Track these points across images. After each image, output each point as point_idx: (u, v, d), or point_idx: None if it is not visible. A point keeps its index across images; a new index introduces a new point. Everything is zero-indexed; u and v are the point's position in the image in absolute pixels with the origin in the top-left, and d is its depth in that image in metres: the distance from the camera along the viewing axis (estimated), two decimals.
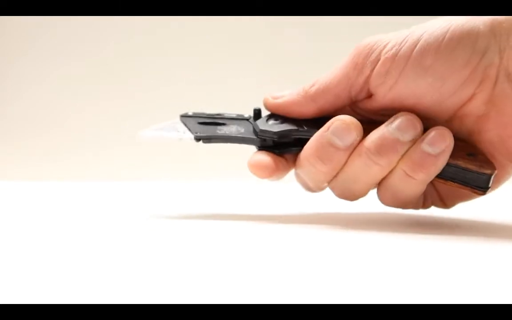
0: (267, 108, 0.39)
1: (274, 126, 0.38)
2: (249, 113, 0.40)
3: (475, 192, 0.36)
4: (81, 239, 0.34)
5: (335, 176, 0.37)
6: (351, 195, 0.38)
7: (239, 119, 0.40)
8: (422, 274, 0.25)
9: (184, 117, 0.41)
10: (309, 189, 0.39)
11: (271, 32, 0.91)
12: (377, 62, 0.36)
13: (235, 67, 0.90)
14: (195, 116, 0.41)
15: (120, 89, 0.90)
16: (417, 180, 0.36)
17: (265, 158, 0.38)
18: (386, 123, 0.36)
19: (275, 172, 0.38)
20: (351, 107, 0.38)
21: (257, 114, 0.40)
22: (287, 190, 0.41)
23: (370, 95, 0.37)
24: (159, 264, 0.27)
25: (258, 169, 0.38)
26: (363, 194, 0.38)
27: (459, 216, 0.40)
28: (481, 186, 0.36)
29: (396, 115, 0.36)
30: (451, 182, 0.36)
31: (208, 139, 0.39)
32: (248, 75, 0.91)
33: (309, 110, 0.38)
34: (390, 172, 0.36)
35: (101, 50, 0.91)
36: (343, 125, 0.36)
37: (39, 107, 0.88)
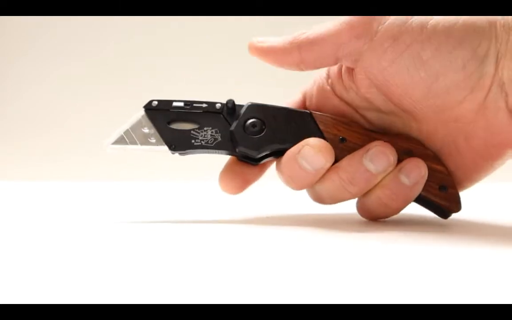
0: (251, 51, 0.38)
1: (254, 144, 0.37)
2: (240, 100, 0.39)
3: (436, 215, 0.38)
4: (81, 239, 0.34)
5: (310, 187, 0.38)
6: (325, 203, 0.38)
7: (211, 112, 0.38)
8: (416, 273, 0.26)
9: (150, 110, 0.38)
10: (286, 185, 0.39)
11: (271, 32, 0.91)
12: (375, 35, 0.35)
13: (235, 67, 0.90)
14: (161, 109, 0.38)
15: (120, 89, 0.90)
16: (393, 208, 0.37)
17: (234, 175, 0.38)
18: (360, 152, 0.36)
19: (245, 186, 0.39)
20: (334, 91, 0.38)
21: (230, 108, 0.38)
22: (277, 188, 0.41)
23: (355, 63, 0.36)
24: (154, 264, 0.27)
25: (228, 188, 0.38)
26: (336, 203, 0.38)
27: (457, 216, 0.40)
28: (443, 216, 0.38)
29: (371, 144, 0.36)
30: (419, 204, 0.38)
31: (184, 153, 0.38)
32: (248, 75, 0.91)
33: (292, 59, 0.37)
34: (366, 194, 0.37)
35: (101, 50, 0.91)
36: (312, 151, 0.36)
37: (39, 107, 0.88)
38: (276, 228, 0.37)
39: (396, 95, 0.36)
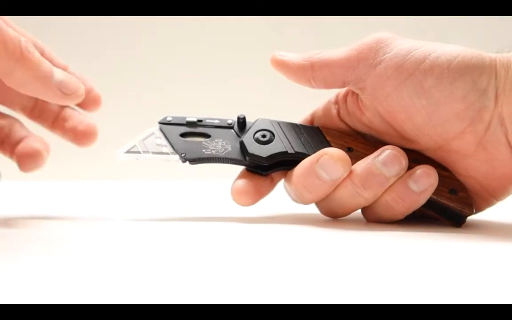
0: (272, 63, 0.39)
1: (263, 149, 0.38)
2: (242, 112, 0.40)
3: (449, 223, 0.38)
4: (81, 239, 0.34)
5: (321, 200, 0.38)
6: (335, 215, 0.39)
7: (222, 127, 0.40)
8: (414, 273, 0.26)
9: (164, 124, 0.39)
10: (295, 201, 0.39)
11: (271, 32, 0.91)
12: (380, 63, 0.36)
13: (235, 67, 0.90)
14: (175, 123, 0.40)
15: (120, 89, 0.90)
16: (398, 212, 0.37)
17: (247, 186, 0.38)
18: (372, 156, 0.36)
19: (258, 198, 0.39)
20: (339, 115, 0.39)
21: (241, 122, 0.39)
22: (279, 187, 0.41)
23: (361, 90, 0.37)
24: (156, 263, 0.27)
25: (240, 199, 0.39)
26: (347, 215, 0.39)
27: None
28: (456, 221, 0.37)
29: (382, 148, 0.36)
30: (429, 211, 0.38)
31: (194, 162, 0.39)
32: (247, 76, 0.91)
33: (304, 75, 0.38)
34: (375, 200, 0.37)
35: (101, 50, 0.91)
36: (331, 160, 0.36)
37: None
38: (278, 227, 0.37)
39: (399, 121, 0.37)
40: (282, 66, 0.39)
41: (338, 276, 0.25)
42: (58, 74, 0.36)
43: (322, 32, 0.87)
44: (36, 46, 0.40)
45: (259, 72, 0.90)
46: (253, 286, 0.24)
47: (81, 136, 0.41)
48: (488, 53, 0.35)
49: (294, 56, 0.39)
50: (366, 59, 0.37)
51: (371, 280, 0.25)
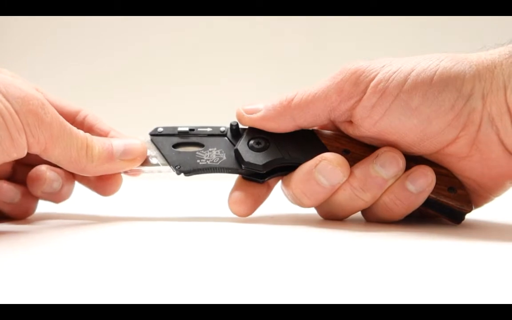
0: (242, 124, 0.39)
1: (259, 157, 0.38)
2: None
3: (449, 221, 0.38)
4: (79, 239, 0.34)
5: (320, 204, 0.38)
6: (334, 218, 0.39)
7: (215, 135, 0.39)
8: (414, 273, 0.26)
9: (155, 136, 0.39)
10: (292, 203, 0.39)
11: (271, 32, 0.91)
12: (364, 94, 0.36)
13: (234, 68, 0.90)
14: (166, 134, 0.39)
15: (120, 90, 0.90)
16: (397, 213, 0.37)
17: (244, 196, 0.38)
18: (370, 158, 0.36)
19: (256, 206, 0.39)
20: (332, 125, 0.39)
21: (234, 129, 0.39)
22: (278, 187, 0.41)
23: (350, 121, 0.37)
24: (155, 263, 0.27)
25: (238, 210, 0.39)
26: (346, 217, 0.39)
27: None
28: (456, 219, 0.38)
29: (380, 150, 0.36)
30: (429, 209, 0.38)
31: (189, 173, 0.39)
32: (247, 76, 0.91)
33: (287, 126, 0.38)
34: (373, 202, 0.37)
35: (102, 51, 0.91)
36: (330, 166, 0.36)
37: None
38: (278, 227, 0.37)
39: (391, 141, 0.37)
40: (258, 123, 0.38)
41: (338, 276, 0.25)
42: (118, 147, 0.37)
43: (322, 32, 0.87)
44: (77, 117, 0.40)
45: (255, 74, 0.91)
46: (252, 286, 0.24)
47: (105, 188, 0.41)
48: (467, 56, 0.35)
49: (266, 107, 0.38)
50: (348, 95, 0.36)
51: (371, 280, 0.25)
